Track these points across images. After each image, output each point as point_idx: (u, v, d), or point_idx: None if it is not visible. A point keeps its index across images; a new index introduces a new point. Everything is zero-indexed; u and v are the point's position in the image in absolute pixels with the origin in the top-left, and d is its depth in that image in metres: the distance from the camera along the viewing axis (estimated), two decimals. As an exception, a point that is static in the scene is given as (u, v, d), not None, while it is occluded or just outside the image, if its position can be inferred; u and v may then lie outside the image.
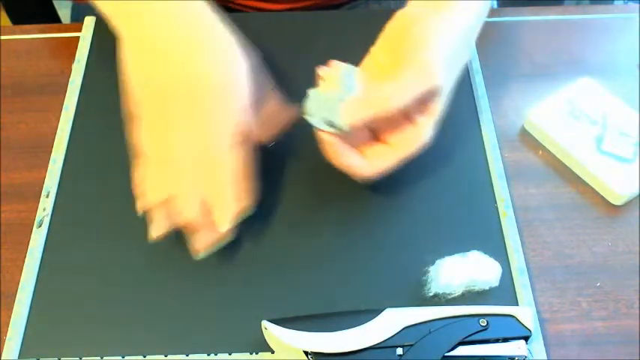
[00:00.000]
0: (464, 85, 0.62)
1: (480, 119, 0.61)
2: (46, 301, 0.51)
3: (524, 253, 0.53)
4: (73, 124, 0.60)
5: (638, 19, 0.69)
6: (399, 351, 0.46)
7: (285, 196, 0.56)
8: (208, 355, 0.49)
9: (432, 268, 0.51)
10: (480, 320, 0.47)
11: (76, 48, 0.66)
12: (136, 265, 0.53)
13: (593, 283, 0.52)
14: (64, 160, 0.58)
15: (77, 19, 0.77)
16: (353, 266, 0.53)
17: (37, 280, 0.52)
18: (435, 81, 0.49)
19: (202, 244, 0.51)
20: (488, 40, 0.66)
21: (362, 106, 0.49)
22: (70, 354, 0.49)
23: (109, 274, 0.52)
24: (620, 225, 0.56)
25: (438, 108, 0.51)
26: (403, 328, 0.46)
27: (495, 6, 0.85)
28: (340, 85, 0.50)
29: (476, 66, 0.64)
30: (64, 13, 0.91)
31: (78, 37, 0.67)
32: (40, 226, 0.55)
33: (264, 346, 0.48)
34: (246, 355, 0.48)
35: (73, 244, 0.54)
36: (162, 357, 0.48)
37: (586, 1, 1.34)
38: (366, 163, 0.51)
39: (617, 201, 0.56)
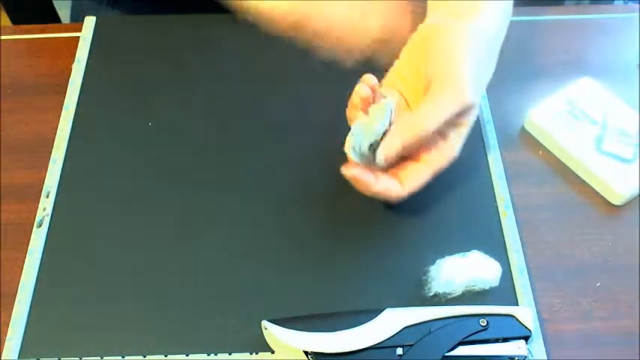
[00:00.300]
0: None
1: (480, 119, 0.61)
2: (46, 301, 0.51)
3: (524, 253, 0.53)
4: (73, 124, 0.60)
5: (638, 19, 0.69)
6: (399, 351, 0.46)
7: (286, 197, 0.56)
8: (208, 355, 0.49)
9: (432, 268, 0.51)
10: (480, 320, 0.47)
11: (76, 48, 0.66)
12: (136, 265, 0.53)
13: (593, 283, 0.52)
14: (64, 160, 0.58)
15: (77, 19, 0.77)
16: (353, 266, 0.53)
17: (37, 280, 0.52)
18: (468, 99, 0.49)
19: None
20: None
21: (398, 138, 0.49)
22: (70, 354, 0.48)
23: (109, 274, 0.52)
24: (620, 225, 0.56)
25: (469, 121, 0.51)
26: (403, 328, 0.46)
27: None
28: (381, 120, 0.50)
29: (476, 66, 0.64)
30: (64, 13, 0.91)
31: (78, 37, 0.67)
32: (40, 226, 0.54)
33: (264, 346, 0.48)
34: (246, 355, 0.48)
35: (73, 244, 0.54)
36: (162, 357, 0.48)
37: (586, 1, 1.34)
38: (399, 184, 0.51)
39: (617, 201, 0.56)
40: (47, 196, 0.56)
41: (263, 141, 0.59)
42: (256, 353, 0.48)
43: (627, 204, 0.56)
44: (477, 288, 0.50)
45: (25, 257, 0.53)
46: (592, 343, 0.50)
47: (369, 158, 0.50)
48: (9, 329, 0.49)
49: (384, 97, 0.52)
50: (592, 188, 0.57)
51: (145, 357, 0.48)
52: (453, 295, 0.50)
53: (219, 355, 0.48)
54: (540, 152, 0.60)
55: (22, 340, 0.49)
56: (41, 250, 0.53)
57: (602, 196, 0.57)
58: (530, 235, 0.54)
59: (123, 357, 0.48)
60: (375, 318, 0.47)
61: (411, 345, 0.46)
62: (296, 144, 0.60)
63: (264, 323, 0.47)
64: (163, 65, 0.64)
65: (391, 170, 0.52)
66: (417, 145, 0.50)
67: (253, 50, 0.66)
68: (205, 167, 0.58)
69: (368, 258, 0.53)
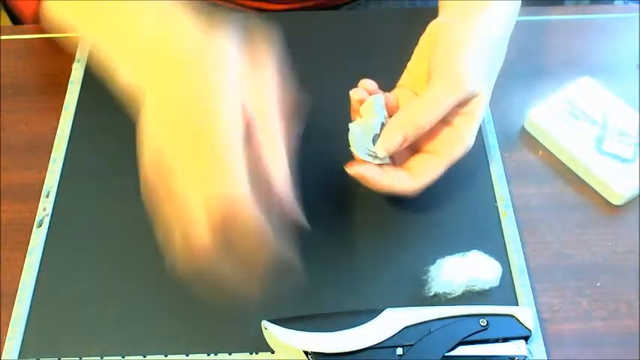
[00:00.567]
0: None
1: (480, 119, 0.61)
2: (46, 301, 0.51)
3: (524, 253, 0.53)
4: (73, 124, 0.60)
5: (638, 19, 0.69)
6: (399, 351, 0.46)
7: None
8: (208, 355, 0.49)
9: (432, 268, 0.51)
10: (480, 320, 0.47)
11: (76, 48, 0.66)
12: (135, 265, 0.53)
13: (593, 283, 0.52)
14: (64, 160, 0.58)
15: (77, 19, 0.77)
16: (353, 266, 0.53)
17: (37, 280, 0.52)
18: (466, 89, 0.49)
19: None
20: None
21: (396, 130, 0.49)
22: (70, 354, 0.48)
23: (109, 274, 0.52)
24: (620, 225, 0.56)
25: (477, 110, 0.51)
26: (403, 328, 0.46)
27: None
28: (374, 115, 0.50)
29: (476, 66, 0.64)
30: (64, 13, 0.91)
31: (78, 37, 0.67)
32: (40, 226, 0.54)
33: (264, 346, 0.48)
34: (246, 355, 0.48)
35: (73, 244, 0.54)
36: (162, 357, 0.48)
37: (586, 1, 1.34)
38: (411, 177, 0.50)
39: (617, 201, 0.56)
40: (47, 196, 0.56)
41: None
42: (256, 353, 0.48)
43: (627, 204, 0.56)
44: (477, 288, 0.50)
45: (25, 257, 0.53)
46: (592, 343, 0.50)
47: (379, 158, 0.50)
48: (9, 329, 0.49)
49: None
50: (592, 188, 0.57)
51: (144, 357, 0.48)
52: (453, 295, 0.50)
53: (219, 355, 0.48)
54: (540, 152, 0.60)
55: (22, 340, 0.49)
56: (41, 250, 0.53)
57: (602, 196, 0.57)
58: (530, 235, 0.54)
59: (123, 357, 0.48)
60: (375, 318, 0.47)
61: (411, 345, 0.46)
62: (300, 143, 0.59)
63: (264, 323, 0.47)
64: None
65: (402, 164, 0.52)
66: (419, 136, 0.49)
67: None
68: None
69: (368, 258, 0.53)
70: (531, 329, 0.47)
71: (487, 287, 0.51)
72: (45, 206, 0.56)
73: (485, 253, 0.51)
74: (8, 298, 0.51)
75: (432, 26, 0.54)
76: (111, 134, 0.60)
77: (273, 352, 0.48)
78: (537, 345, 0.49)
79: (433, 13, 0.57)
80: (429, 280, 0.51)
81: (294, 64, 0.65)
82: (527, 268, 0.52)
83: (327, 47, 0.66)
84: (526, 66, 0.65)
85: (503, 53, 0.54)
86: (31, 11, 0.55)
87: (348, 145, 0.50)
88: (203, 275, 0.42)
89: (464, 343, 0.46)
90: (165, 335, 0.49)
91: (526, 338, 0.47)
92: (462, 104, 0.50)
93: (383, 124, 0.50)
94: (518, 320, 0.47)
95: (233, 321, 0.50)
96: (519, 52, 0.67)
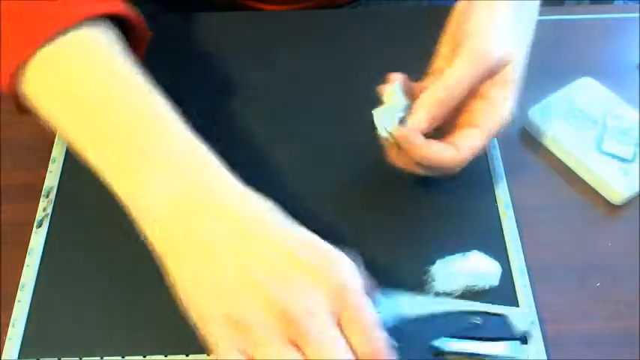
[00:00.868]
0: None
1: (480, 119, 0.61)
2: (46, 301, 0.51)
3: (524, 253, 0.53)
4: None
5: (638, 19, 0.69)
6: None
7: (285, 196, 0.56)
8: (208, 355, 0.48)
9: (432, 268, 0.51)
10: (473, 318, 0.47)
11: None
12: (136, 265, 0.53)
13: (593, 283, 0.52)
14: (64, 160, 0.58)
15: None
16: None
17: (37, 280, 0.52)
18: (488, 59, 0.48)
19: None
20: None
21: (422, 109, 0.48)
22: (70, 354, 0.48)
23: (108, 274, 0.52)
24: (620, 225, 0.56)
25: (511, 79, 0.50)
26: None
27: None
28: (394, 98, 0.50)
29: (476, 66, 0.64)
30: (64, 13, 0.91)
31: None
32: (40, 226, 0.54)
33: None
34: (246, 355, 0.48)
35: (73, 244, 0.54)
36: (162, 357, 0.48)
37: (586, 1, 1.34)
38: (453, 148, 0.49)
39: (617, 201, 0.56)
40: (47, 196, 0.56)
41: (262, 139, 0.59)
42: (256, 353, 0.48)
43: (627, 204, 0.56)
44: (477, 288, 0.50)
45: (25, 257, 0.53)
46: (592, 343, 0.50)
47: None
48: (9, 329, 0.49)
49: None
50: (592, 188, 0.57)
51: (144, 357, 0.48)
52: (453, 295, 0.50)
53: (219, 355, 0.48)
54: (540, 152, 0.60)
55: (22, 340, 0.49)
56: (41, 250, 0.53)
57: (602, 196, 0.57)
58: (530, 235, 0.54)
59: (123, 357, 0.48)
60: None
61: (400, 331, 0.45)
62: (299, 144, 0.60)
63: None
64: (163, 64, 0.64)
65: (444, 139, 0.51)
66: (448, 112, 0.49)
67: (254, 49, 0.66)
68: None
69: (368, 258, 0.53)
70: (522, 332, 0.47)
71: (487, 287, 0.51)
72: (45, 206, 0.56)
73: (486, 253, 0.51)
74: (8, 298, 0.51)
75: (458, 6, 0.53)
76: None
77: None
78: (537, 345, 0.49)
79: (433, 12, 0.57)
80: (429, 280, 0.51)
81: (295, 64, 0.65)
82: (527, 268, 0.52)
83: (328, 47, 0.66)
84: (526, 66, 0.65)
85: (534, 16, 0.53)
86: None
87: (373, 129, 0.49)
88: None
89: (454, 337, 0.46)
90: (165, 335, 0.49)
91: (520, 339, 0.47)
92: (493, 74, 0.49)
93: (409, 106, 0.49)
94: (512, 321, 0.47)
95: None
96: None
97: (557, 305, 0.51)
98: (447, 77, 0.49)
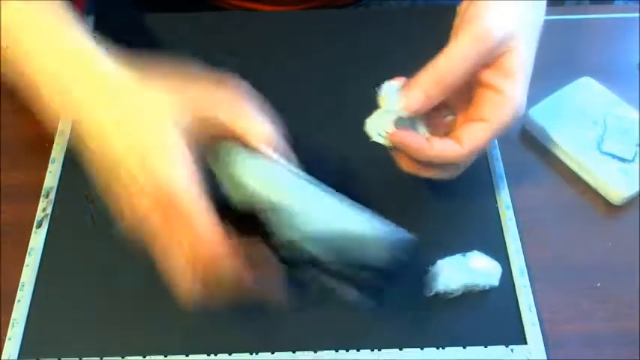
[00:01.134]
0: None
1: (480, 119, 0.61)
2: (46, 301, 0.51)
3: (524, 253, 0.53)
4: (73, 124, 0.60)
5: (638, 19, 0.69)
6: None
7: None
8: (208, 355, 0.49)
9: (432, 268, 0.51)
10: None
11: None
12: (135, 265, 0.53)
13: (593, 283, 0.52)
14: (64, 160, 0.58)
15: (77, 19, 0.77)
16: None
17: (37, 280, 0.52)
18: (490, 36, 0.47)
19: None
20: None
21: (416, 87, 0.47)
22: (70, 354, 0.48)
23: (108, 274, 0.52)
24: (620, 225, 0.56)
25: (518, 67, 0.48)
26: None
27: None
28: (387, 101, 0.49)
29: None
30: (64, 12, 0.91)
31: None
32: (40, 226, 0.54)
33: (265, 346, 0.48)
34: (246, 355, 0.48)
35: (73, 244, 0.54)
36: (162, 357, 0.48)
37: (586, 1, 1.34)
38: (457, 144, 0.48)
39: (617, 201, 0.56)
40: (47, 196, 0.56)
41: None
42: (256, 353, 0.48)
43: (627, 204, 0.56)
44: (477, 288, 0.50)
45: (25, 257, 0.53)
46: (592, 343, 0.50)
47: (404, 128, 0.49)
48: (9, 329, 0.49)
49: None
50: (592, 188, 0.57)
51: (144, 357, 0.48)
52: (453, 295, 0.50)
53: (219, 355, 0.48)
54: (540, 152, 0.60)
55: (22, 340, 0.49)
56: (41, 250, 0.53)
57: (602, 196, 0.57)
58: (530, 235, 0.54)
59: (123, 357, 0.48)
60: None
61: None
62: (300, 144, 0.60)
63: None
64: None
65: (448, 134, 0.50)
66: (444, 93, 0.47)
67: (252, 49, 0.66)
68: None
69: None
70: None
71: (487, 287, 0.51)
72: (45, 206, 0.56)
73: (485, 253, 0.51)
74: (8, 298, 0.51)
75: (462, 2, 0.52)
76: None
77: (273, 353, 0.48)
78: (537, 345, 0.49)
79: (434, 12, 0.57)
80: (429, 280, 0.51)
81: (295, 64, 0.65)
82: (527, 268, 0.52)
83: (328, 47, 0.66)
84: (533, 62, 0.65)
85: (542, 9, 0.52)
86: None
87: (369, 139, 0.49)
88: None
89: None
90: (165, 335, 0.49)
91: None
92: (495, 57, 0.48)
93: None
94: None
95: (233, 321, 0.50)
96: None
97: (557, 305, 0.51)
98: (443, 55, 0.48)
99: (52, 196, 0.56)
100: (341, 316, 0.50)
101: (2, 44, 0.47)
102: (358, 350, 0.49)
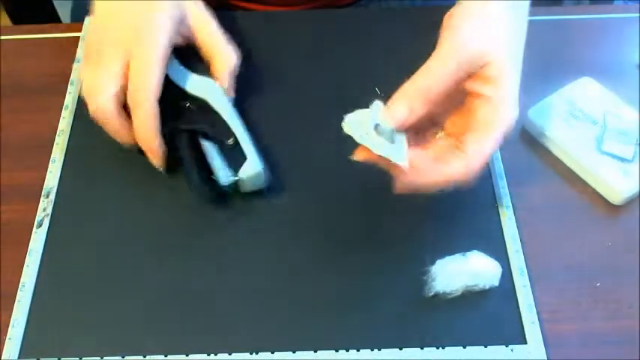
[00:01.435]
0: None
1: (480, 119, 0.61)
2: (46, 301, 0.51)
3: (524, 253, 0.53)
4: (73, 124, 0.60)
5: (638, 19, 0.69)
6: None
7: (285, 194, 0.56)
8: (208, 355, 0.49)
9: (432, 268, 0.51)
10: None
11: (76, 48, 0.66)
12: (136, 265, 0.53)
13: (593, 283, 0.52)
14: (64, 160, 0.58)
15: (77, 19, 0.77)
16: (353, 265, 0.53)
17: (37, 280, 0.52)
18: (466, 48, 0.47)
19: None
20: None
21: (399, 100, 0.48)
22: (70, 354, 0.49)
23: (109, 274, 0.52)
24: (620, 225, 0.56)
25: (502, 76, 0.48)
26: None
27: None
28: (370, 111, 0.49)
29: (476, 66, 0.64)
30: (64, 13, 0.91)
31: (78, 37, 0.67)
32: (40, 226, 0.54)
33: (265, 346, 0.49)
34: (246, 355, 0.48)
35: (73, 244, 0.54)
36: (162, 357, 0.48)
37: (586, 1, 1.34)
38: (462, 160, 0.48)
39: (617, 201, 0.56)
40: (47, 196, 0.56)
41: (263, 139, 0.60)
42: (256, 353, 0.49)
43: (627, 204, 0.56)
44: (477, 288, 0.50)
45: (25, 257, 0.53)
46: (592, 343, 0.50)
47: (385, 138, 0.48)
48: (9, 329, 0.49)
49: None
50: (592, 188, 0.57)
51: (144, 357, 0.48)
52: (452, 295, 0.50)
53: (219, 355, 0.48)
54: (540, 152, 0.60)
55: (22, 340, 0.49)
56: (41, 250, 0.53)
57: (602, 196, 0.57)
58: (530, 235, 0.54)
59: (123, 357, 0.48)
60: None
61: None
62: (300, 144, 0.60)
63: None
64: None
65: (451, 149, 0.50)
66: (428, 104, 0.47)
67: (253, 49, 0.66)
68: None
69: (368, 257, 0.53)
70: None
71: (487, 287, 0.51)
72: (45, 206, 0.56)
73: (485, 253, 0.51)
74: (8, 298, 0.51)
75: (450, 12, 0.52)
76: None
77: (273, 353, 0.48)
78: (537, 345, 0.49)
79: (435, 12, 0.56)
80: (429, 280, 0.51)
81: (295, 64, 0.65)
82: (527, 268, 0.52)
83: (329, 47, 0.66)
84: (526, 66, 0.65)
85: (525, 18, 0.53)
86: None
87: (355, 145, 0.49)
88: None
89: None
90: (166, 335, 0.49)
91: None
92: (475, 68, 0.48)
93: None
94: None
95: (233, 321, 0.50)
96: (519, 52, 0.67)
97: (557, 305, 0.51)
98: (424, 68, 0.48)
99: (52, 196, 0.56)
100: (341, 316, 0.50)
101: None
102: (358, 350, 0.49)
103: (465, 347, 0.49)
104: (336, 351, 0.49)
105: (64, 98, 0.62)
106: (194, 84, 0.56)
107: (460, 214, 0.55)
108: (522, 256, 0.53)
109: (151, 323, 0.50)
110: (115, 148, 0.58)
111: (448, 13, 0.51)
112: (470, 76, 0.49)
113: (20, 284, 0.52)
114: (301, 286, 0.52)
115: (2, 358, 0.48)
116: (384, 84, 0.53)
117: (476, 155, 0.48)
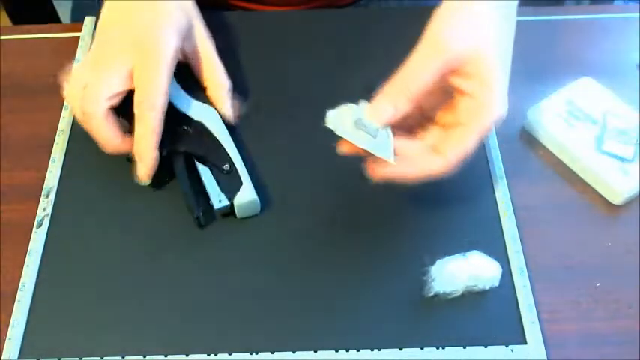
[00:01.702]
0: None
1: (480, 119, 0.61)
2: (46, 301, 0.51)
3: (524, 253, 0.53)
4: (73, 124, 0.60)
5: (638, 19, 0.69)
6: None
7: (285, 195, 0.56)
8: (208, 355, 0.49)
9: (432, 268, 0.51)
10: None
11: (76, 48, 0.66)
12: (136, 265, 0.53)
13: (593, 283, 0.52)
14: (64, 160, 0.58)
15: (77, 19, 0.77)
16: (353, 265, 0.53)
17: (37, 280, 0.52)
18: (447, 47, 0.47)
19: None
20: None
21: (384, 99, 0.48)
22: (70, 354, 0.49)
23: (109, 275, 0.52)
24: (620, 225, 0.56)
25: (488, 74, 0.48)
26: None
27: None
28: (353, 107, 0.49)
29: (476, 66, 0.64)
30: (64, 13, 0.91)
31: (78, 37, 0.67)
32: (40, 226, 0.54)
33: (265, 346, 0.49)
34: (246, 355, 0.48)
35: (73, 244, 0.54)
36: (162, 357, 0.48)
37: (586, 1, 1.34)
38: (440, 156, 0.48)
39: (617, 201, 0.56)
40: (47, 196, 0.56)
41: (262, 139, 0.60)
42: (256, 353, 0.49)
43: (627, 204, 0.56)
44: (476, 288, 0.50)
45: (25, 257, 0.53)
46: (592, 343, 0.50)
47: (364, 131, 0.48)
48: (9, 329, 0.49)
49: None
50: (592, 188, 0.57)
51: (144, 357, 0.48)
52: (453, 295, 0.50)
53: (219, 355, 0.48)
54: (540, 152, 0.60)
55: (22, 340, 0.49)
56: (41, 250, 0.53)
57: (602, 196, 0.57)
58: (530, 235, 0.54)
59: (123, 357, 0.48)
60: None
61: None
62: (300, 144, 0.60)
63: None
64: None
65: (429, 145, 0.50)
66: (412, 102, 0.48)
67: (252, 49, 0.66)
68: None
69: (368, 257, 0.53)
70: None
71: (487, 287, 0.51)
72: (45, 206, 0.56)
73: (485, 253, 0.51)
74: (8, 298, 0.51)
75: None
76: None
77: (273, 353, 0.48)
78: (537, 345, 0.49)
79: (433, 12, 0.57)
80: (429, 280, 0.51)
81: (295, 64, 0.65)
82: (527, 268, 0.52)
83: (328, 47, 0.66)
84: (526, 66, 0.65)
85: (513, 18, 0.52)
86: None
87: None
88: None
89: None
90: (166, 335, 0.49)
91: None
92: (458, 66, 0.48)
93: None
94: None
95: (233, 321, 0.50)
96: (519, 52, 0.67)
97: (557, 305, 0.51)
98: (405, 67, 0.48)
99: (52, 196, 0.56)
100: (341, 316, 0.50)
101: None
102: (358, 350, 0.49)
103: (465, 347, 0.49)
104: (336, 351, 0.49)
105: (64, 98, 0.62)
106: (193, 108, 0.57)
107: (460, 214, 0.55)
108: (522, 256, 0.53)
109: (151, 323, 0.50)
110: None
111: (434, 11, 0.51)
112: (455, 72, 0.48)
113: (20, 284, 0.52)
114: (301, 286, 0.52)
115: (2, 358, 0.48)
116: (384, 84, 0.53)
117: (454, 152, 0.48)
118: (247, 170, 0.55)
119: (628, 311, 0.51)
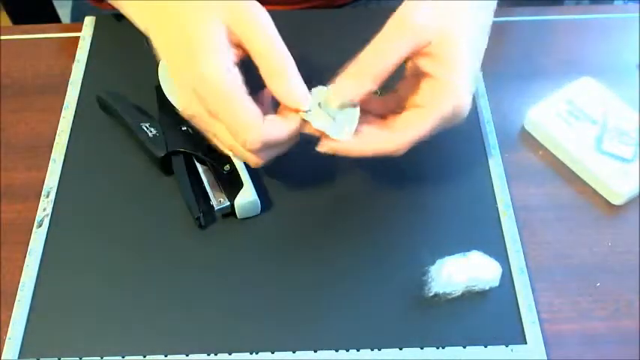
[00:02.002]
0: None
1: (480, 119, 0.61)
2: (46, 301, 0.51)
3: (524, 253, 0.53)
4: (73, 124, 0.60)
5: (638, 19, 0.69)
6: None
7: (285, 194, 0.56)
8: (208, 355, 0.49)
9: (432, 268, 0.51)
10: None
11: (76, 48, 0.66)
12: (136, 265, 0.53)
13: (593, 283, 0.52)
14: (64, 160, 0.58)
15: (77, 19, 0.77)
16: (353, 265, 0.53)
17: (37, 280, 0.52)
18: (412, 24, 0.46)
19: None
20: (488, 39, 0.66)
21: (346, 79, 0.47)
22: (70, 354, 0.49)
23: (109, 274, 0.52)
24: (620, 225, 0.56)
25: (454, 56, 0.47)
26: None
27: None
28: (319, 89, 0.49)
29: (476, 66, 0.64)
30: (64, 13, 0.91)
31: (78, 37, 0.67)
32: (40, 226, 0.54)
33: (265, 346, 0.49)
34: (246, 355, 0.48)
35: (73, 244, 0.54)
36: (162, 357, 0.48)
37: (586, 1, 1.34)
38: (393, 134, 0.47)
39: (617, 201, 0.56)
40: (47, 196, 0.56)
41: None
42: (256, 353, 0.49)
43: (627, 204, 0.56)
44: (476, 288, 0.50)
45: (25, 257, 0.53)
46: (592, 343, 0.50)
47: (329, 114, 0.48)
48: (9, 329, 0.49)
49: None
50: (592, 188, 0.57)
51: (144, 357, 0.48)
52: (453, 295, 0.50)
53: (219, 355, 0.48)
54: (540, 152, 0.60)
55: (22, 340, 0.49)
56: (41, 250, 0.53)
57: (602, 196, 0.57)
58: (530, 235, 0.54)
59: (123, 357, 0.48)
60: None
61: None
62: (299, 143, 0.60)
63: None
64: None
65: (385, 122, 0.49)
66: (376, 82, 0.47)
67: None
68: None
69: (368, 257, 0.53)
70: None
71: (487, 287, 0.51)
72: (45, 206, 0.56)
73: (485, 253, 0.51)
74: (8, 298, 0.51)
75: None
76: (111, 133, 0.60)
77: (273, 353, 0.48)
78: (537, 345, 0.49)
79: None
80: (429, 280, 0.51)
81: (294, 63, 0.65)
82: (527, 268, 0.52)
83: (328, 47, 0.66)
84: (526, 66, 0.65)
85: (491, 9, 0.52)
86: None
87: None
88: None
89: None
90: (166, 335, 0.49)
91: None
92: (423, 46, 0.47)
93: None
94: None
95: (233, 321, 0.50)
96: (519, 52, 0.67)
97: (557, 305, 0.51)
98: (370, 46, 0.47)
99: (52, 196, 0.56)
100: (341, 316, 0.50)
101: None
102: (358, 350, 0.49)
103: (465, 347, 0.49)
104: (336, 351, 0.49)
105: (64, 98, 0.62)
106: None
107: (460, 214, 0.55)
108: (522, 256, 0.53)
109: (151, 323, 0.50)
110: (115, 148, 0.59)
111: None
112: (421, 53, 0.47)
113: (20, 284, 0.52)
114: (301, 286, 0.52)
115: (2, 358, 0.48)
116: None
117: (407, 133, 0.47)
118: (248, 171, 0.55)
119: (628, 311, 0.51)
